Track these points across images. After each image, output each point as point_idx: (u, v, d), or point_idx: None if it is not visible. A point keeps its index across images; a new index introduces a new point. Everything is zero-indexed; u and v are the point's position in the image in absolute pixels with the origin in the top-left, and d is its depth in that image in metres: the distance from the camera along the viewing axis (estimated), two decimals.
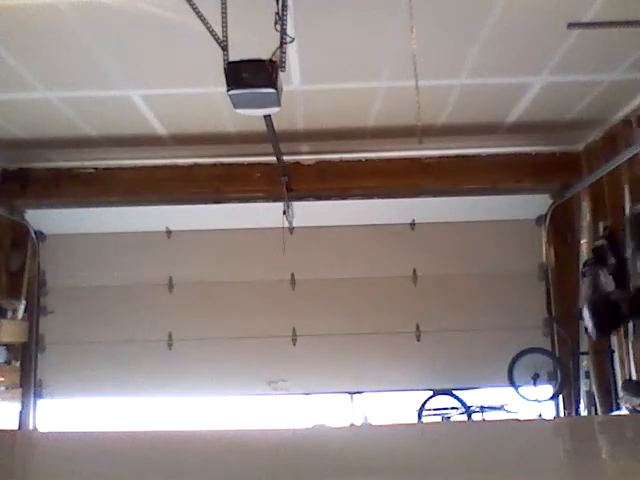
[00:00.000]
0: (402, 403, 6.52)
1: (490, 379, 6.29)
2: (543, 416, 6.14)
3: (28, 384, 6.31)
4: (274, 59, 3.11)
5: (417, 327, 6.46)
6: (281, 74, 3.17)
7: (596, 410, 5.69)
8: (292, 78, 4.37)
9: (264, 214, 6.30)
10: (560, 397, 6.18)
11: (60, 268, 6.58)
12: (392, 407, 6.60)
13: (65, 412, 6.48)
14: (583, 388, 5.87)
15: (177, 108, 4.96)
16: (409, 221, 6.64)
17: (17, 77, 4.25)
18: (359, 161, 6.23)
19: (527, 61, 4.31)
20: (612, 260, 5.33)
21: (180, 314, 6.46)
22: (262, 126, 4.38)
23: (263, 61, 3.09)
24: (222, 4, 3.07)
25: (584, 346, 5.93)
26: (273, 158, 5.42)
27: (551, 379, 6.25)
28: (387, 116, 5.18)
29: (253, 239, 6.52)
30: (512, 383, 5.89)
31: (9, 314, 6.03)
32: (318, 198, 6.28)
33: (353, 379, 6.40)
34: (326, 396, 6.59)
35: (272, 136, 4.66)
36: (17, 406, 6.17)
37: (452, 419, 6.07)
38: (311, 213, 6.34)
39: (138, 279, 6.52)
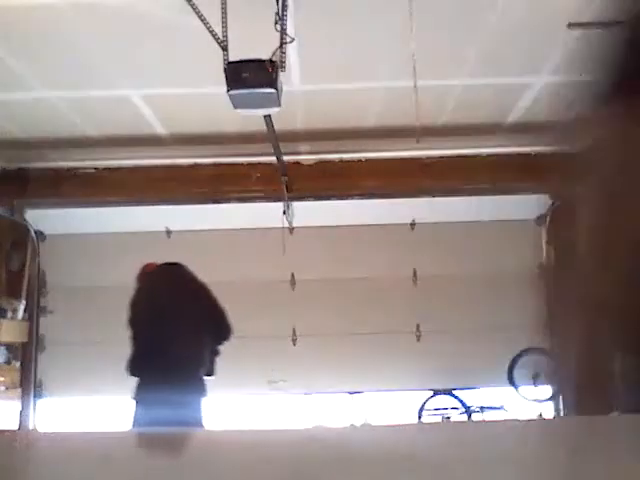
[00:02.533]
0: (402, 403, 6.52)
1: (490, 379, 6.29)
2: (543, 416, 6.14)
3: (28, 384, 6.31)
4: (274, 59, 3.11)
5: (417, 327, 6.46)
6: (281, 74, 3.17)
7: None
8: (292, 78, 4.37)
9: (264, 214, 6.30)
10: (560, 397, 6.18)
11: (60, 268, 6.58)
12: (392, 407, 6.60)
13: (65, 412, 6.48)
14: None
15: (177, 108, 4.96)
16: (409, 221, 6.64)
17: (17, 77, 4.25)
18: (359, 161, 6.23)
19: (527, 61, 4.31)
20: None
21: None
22: (262, 126, 4.38)
23: (263, 61, 3.09)
24: (222, 4, 3.07)
25: None
26: (273, 158, 5.42)
27: None
28: (387, 116, 5.18)
29: (253, 239, 6.51)
30: (512, 383, 5.89)
31: (9, 314, 6.03)
32: (318, 198, 6.28)
33: (353, 379, 6.40)
34: (326, 396, 6.59)
35: (272, 136, 4.66)
36: (17, 406, 6.17)
37: (452, 419, 6.07)
38: (311, 213, 6.34)
39: None
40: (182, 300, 4.28)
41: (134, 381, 4.07)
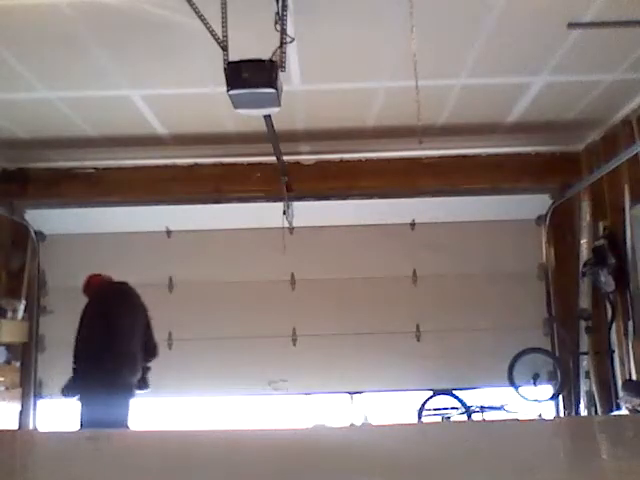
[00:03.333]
0: (402, 403, 6.52)
1: (490, 379, 6.29)
2: (543, 416, 6.13)
3: (28, 384, 6.31)
4: (274, 59, 3.11)
5: (417, 327, 6.46)
6: (281, 74, 3.17)
7: (596, 410, 5.69)
8: (292, 78, 4.37)
9: (264, 214, 6.30)
10: (560, 397, 6.18)
11: (60, 268, 6.57)
12: (392, 407, 6.60)
13: (65, 412, 6.48)
14: (583, 388, 5.87)
15: (177, 108, 4.96)
16: (409, 221, 6.64)
17: (17, 77, 4.25)
18: (359, 161, 6.23)
19: (527, 61, 4.31)
20: (612, 260, 5.33)
21: (180, 314, 6.46)
22: (262, 126, 4.38)
23: (263, 61, 3.09)
24: (222, 4, 3.06)
25: (584, 346, 5.93)
26: (273, 158, 5.42)
27: (551, 379, 6.25)
28: (387, 116, 5.18)
29: (253, 239, 6.51)
30: (512, 383, 5.89)
31: (9, 314, 6.02)
32: (318, 198, 6.28)
33: (353, 379, 6.40)
34: (326, 396, 6.59)
35: (272, 136, 4.66)
36: (17, 406, 6.17)
37: (452, 419, 6.07)
38: (311, 213, 6.34)
39: (138, 279, 6.50)
40: (129, 317, 4.84)
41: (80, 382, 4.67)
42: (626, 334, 5.31)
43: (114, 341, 4.59)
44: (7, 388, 6.01)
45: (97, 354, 4.53)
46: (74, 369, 4.61)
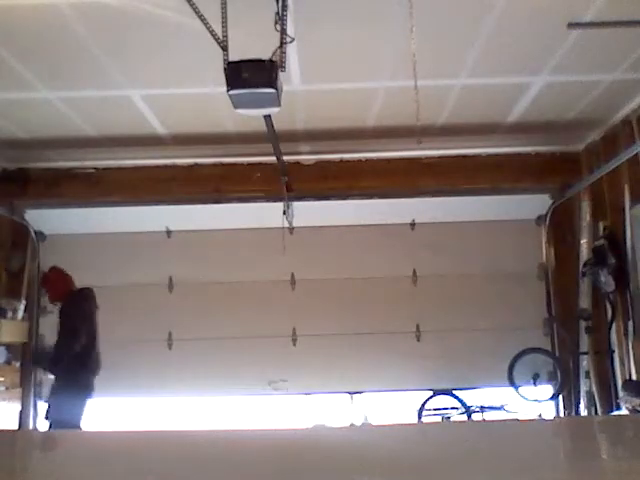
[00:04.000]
0: (402, 403, 6.52)
1: (490, 379, 6.29)
2: (543, 416, 6.14)
3: (28, 384, 6.31)
4: (274, 59, 3.11)
5: (417, 327, 6.46)
6: (281, 74, 3.17)
7: (596, 410, 5.69)
8: (292, 78, 4.37)
9: (264, 214, 6.30)
10: (560, 397, 6.18)
11: None
12: (392, 407, 6.60)
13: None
14: (583, 388, 5.87)
15: (177, 108, 4.96)
16: (409, 221, 6.64)
17: (17, 77, 4.25)
18: (359, 161, 6.23)
19: (527, 61, 4.31)
20: (612, 260, 5.33)
21: (180, 314, 6.46)
22: (262, 126, 4.38)
23: (263, 61, 3.09)
24: (222, 4, 3.06)
25: (584, 346, 5.93)
26: (273, 158, 5.42)
27: (551, 379, 6.25)
28: (387, 116, 5.18)
29: (253, 239, 6.52)
30: (512, 383, 5.89)
31: (9, 314, 6.02)
32: (318, 198, 6.28)
33: (353, 379, 6.40)
34: (326, 396, 6.59)
35: (272, 136, 4.66)
36: (17, 406, 6.17)
37: (452, 419, 6.07)
38: (311, 213, 6.34)
39: (138, 279, 6.52)
40: (95, 322, 5.23)
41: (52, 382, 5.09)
42: (626, 334, 5.31)
43: (93, 345, 5.07)
44: (7, 388, 6.01)
45: (82, 358, 4.97)
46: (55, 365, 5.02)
